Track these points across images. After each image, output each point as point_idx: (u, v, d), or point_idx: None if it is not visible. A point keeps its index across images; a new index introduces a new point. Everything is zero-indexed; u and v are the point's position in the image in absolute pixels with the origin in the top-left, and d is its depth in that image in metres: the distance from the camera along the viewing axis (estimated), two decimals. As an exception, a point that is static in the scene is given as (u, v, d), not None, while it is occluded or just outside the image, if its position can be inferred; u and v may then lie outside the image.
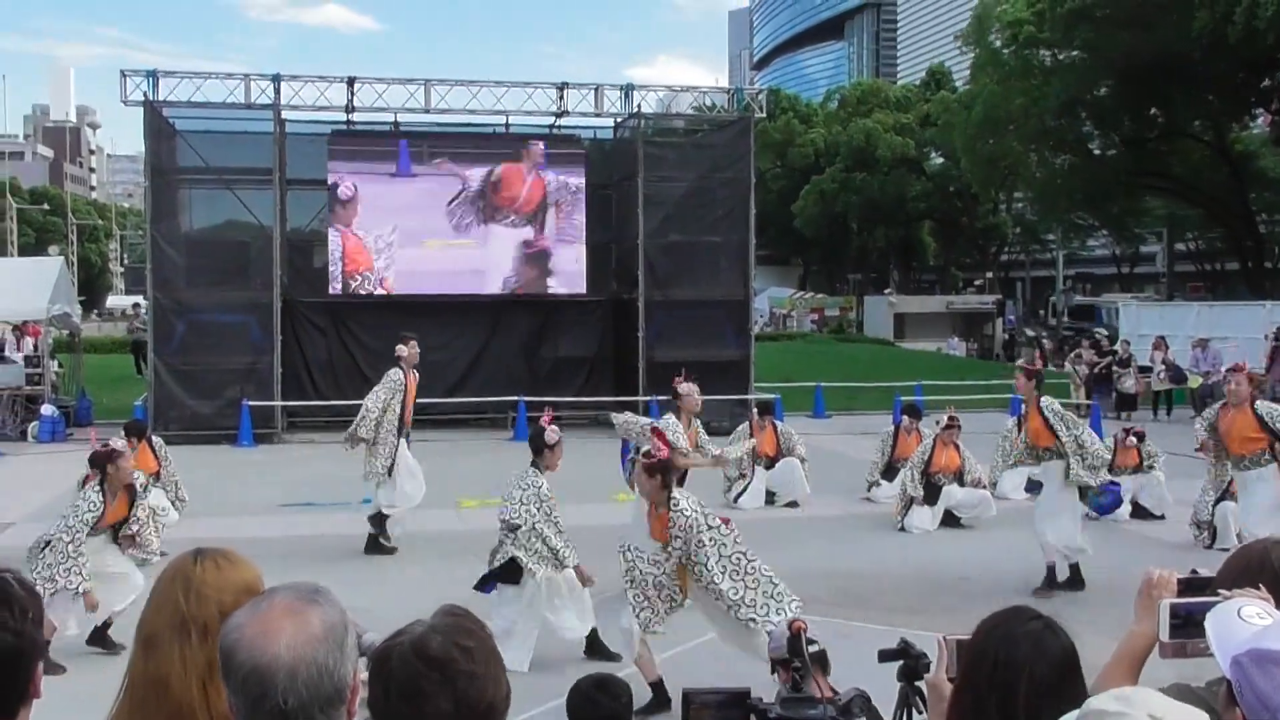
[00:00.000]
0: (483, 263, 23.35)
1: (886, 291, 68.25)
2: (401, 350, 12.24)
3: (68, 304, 24.49)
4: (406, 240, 22.94)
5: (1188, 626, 2.47)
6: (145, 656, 2.72)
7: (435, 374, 23.18)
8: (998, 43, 40.43)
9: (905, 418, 16.04)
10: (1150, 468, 14.81)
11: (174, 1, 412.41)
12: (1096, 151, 43.00)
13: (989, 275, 74.70)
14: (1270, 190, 45.87)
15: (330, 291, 22.88)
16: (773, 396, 20.64)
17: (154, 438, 13.63)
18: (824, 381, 26.36)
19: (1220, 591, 2.47)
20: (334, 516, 13.71)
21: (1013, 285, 75.07)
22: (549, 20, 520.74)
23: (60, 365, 25.83)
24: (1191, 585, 2.65)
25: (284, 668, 2.09)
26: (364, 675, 2.30)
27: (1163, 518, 14.19)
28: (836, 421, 24.14)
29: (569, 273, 23.80)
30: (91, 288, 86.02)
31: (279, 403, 21.74)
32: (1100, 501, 12.59)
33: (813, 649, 4.47)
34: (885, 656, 4.18)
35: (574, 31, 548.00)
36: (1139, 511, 14.61)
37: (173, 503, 12.73)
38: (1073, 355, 29.07)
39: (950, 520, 13.75)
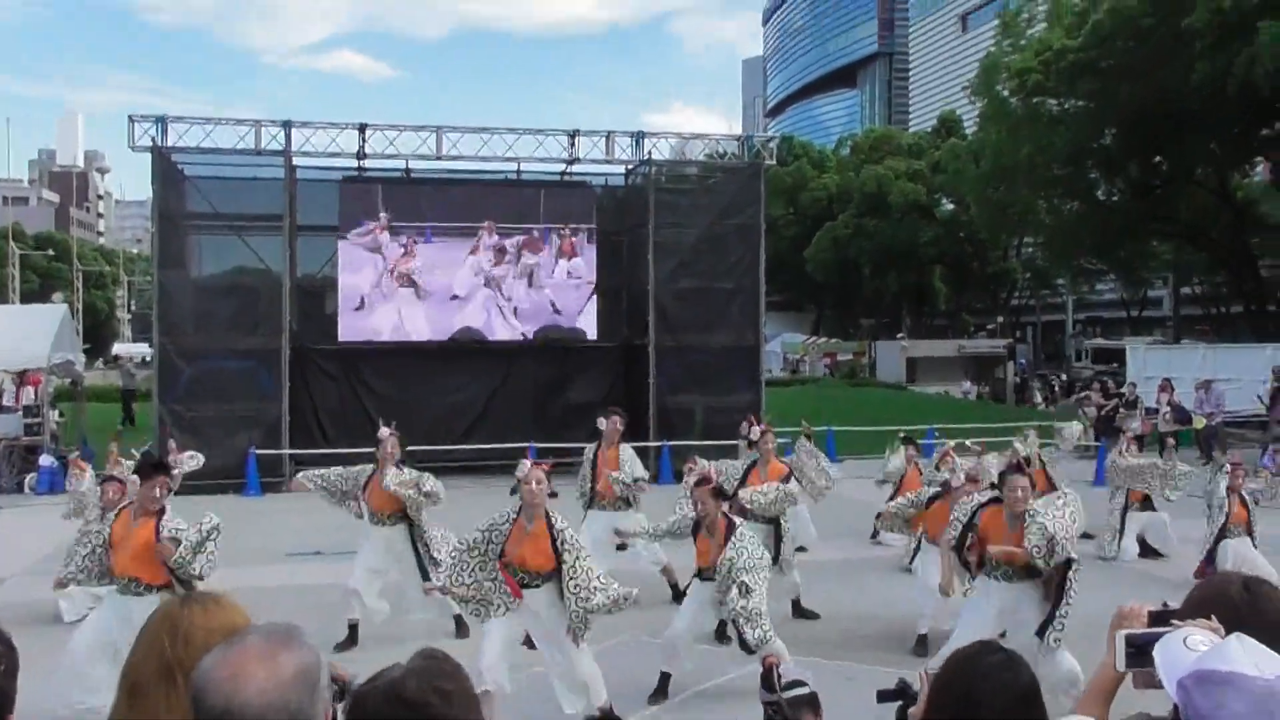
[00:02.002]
0: (494, 309, 23.39)
1: (899, 336, 68.15)
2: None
3: (71, 351, 24.30)
4: (420, 287, 22.99)
5: (1141, 656, 2.54)
6: (130, 703, 2.70)
7: (447, 421, 23.28)
8: (1005, 92, 40.66)
9: (905, 448, 15.99)
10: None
11: (189, 48, 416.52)
12: (1103, 198, 43.18)
13: (1000, 319, 74.68)
14: (1271, 235, 46.12)
15: (340, 338, 22.90)
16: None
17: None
18: (836, 425, 26.29)
19: (1173, 622, 2.55)
20: (341, 565, 13.59)
21: (1024, 329, 75.06)
22: (564, 68, 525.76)
23: (62, 415, 25.62)
24: (1161, 617, 2.67)
25: (254, 713, 2.08)
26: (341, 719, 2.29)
27: (1167, 557, 14.24)
28: (848, 465, 24.03)
29: (581, 319, 23.83)
30: (97, 335, 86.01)
31: (287, 450, 21.71)
32: None
33: (801, 691, 4.44)
34: (884, 697, 4.15)
35: (589, 79, 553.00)
36: (1146, 550, 14.68)
37: None
38: (1081, 397, 29.09)
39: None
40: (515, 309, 23.45)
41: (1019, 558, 8.25)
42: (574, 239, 23.65)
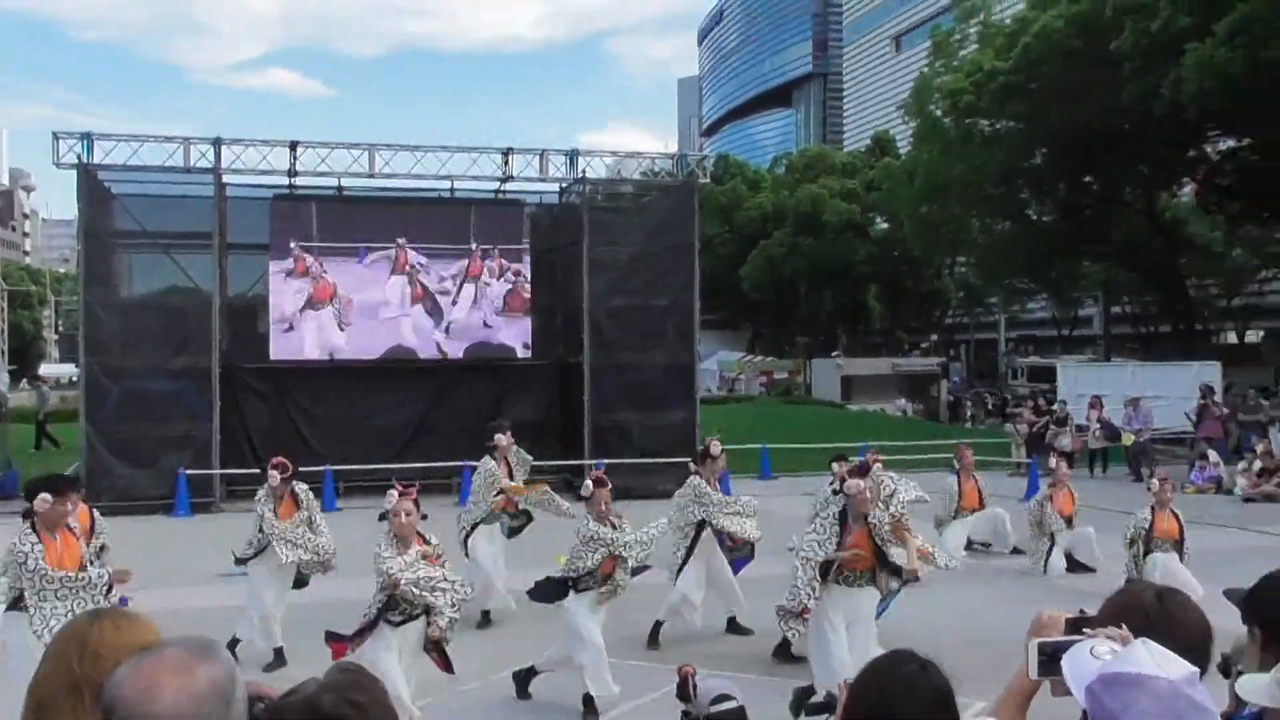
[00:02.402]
0: (428, 327, 23.30)
1: (834, 354, 68.59)
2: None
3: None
4: (351, 305, 22.85)
5: (1052, 664, 2.57)
6: (36, 719, 2.66)
7: (380, 440, 23.12)
8: (938, 112, 41.12)
9: (835, 465, 16.06)
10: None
11: (117, 65, 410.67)
12: (1035, 218, 43.76)
13: (934, 338, 75.48)
14: (1198, 256, 46.97)
15: (271, 357, 22.69)
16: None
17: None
18: (770, 444, 26.40)
19: (1084, 630, 2.60)
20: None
21: (957, 347, 75.85)
22: (499, 86, 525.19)
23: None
24: (1078, 624, 2.71)
25: None
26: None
27: (1095, 571, 14.44)
28: (782, 483, 24.15)
29: (515, 337, 23.77)
30: (23, 355, 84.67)
31: (217, 471, 21.46)
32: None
33: (729, 705, 4.44)
34: (811, 710, 4.18)
35: (525, 98, 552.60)
36: (1074, 565, 14.90)
37: None
38: (1013, 414, 29.50)
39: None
40: (448, 327, 23.36)
41: (863, 558, 8.83)
42: (507, 258, 23.60)
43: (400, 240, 23.08)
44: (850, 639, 8.70)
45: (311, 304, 22.64)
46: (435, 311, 23.30)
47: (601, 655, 8.97)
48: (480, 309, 23.52)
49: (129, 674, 2.12)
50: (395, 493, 8.34)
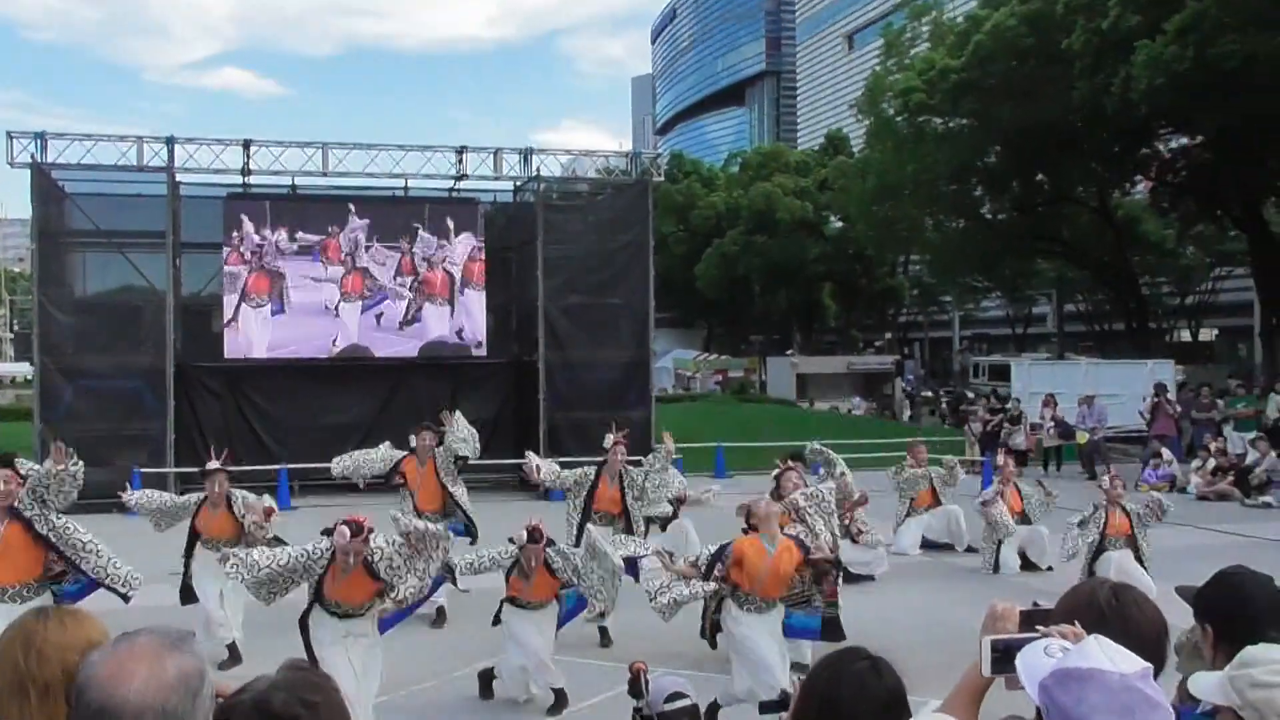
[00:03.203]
0: (381, 325, 23.21)
1: (789, 353, 68.75)
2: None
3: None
4: (302, 303, 22.75)
5: (1005, 661, 2.59)
6: None
7: (333, 438, 22.86)
8: (890, 111, 41.29)
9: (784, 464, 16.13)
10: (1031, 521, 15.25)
11: (70, 65, 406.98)
12: (988, 216, 44.01)
13: (888, 336, 75.83)
14: (1151, 253, 47.44)
15: (225, 355, 22.56)
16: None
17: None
18: (726, 441, 26.45)
19: (1037, 628, 2.62)
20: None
21: (912, 345, 76.22)
22: (453, 86, 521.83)
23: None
24: (1033, 618, 2.74)
25: (131, 711, 2.08)
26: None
27: (1050, 569, 14.54)
28: (738, 481, 24.19)
29: (469, 335, 23.72)
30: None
31: (172, 469, 21.32)
32: None
33: (684, 703, 4.49)
34: (765, 708, 4.22)
35: (479, 97, 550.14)
36: (1027, 564, 15.01)
37: None
38: (968, 413, 29.68)
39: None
40: (402, 325, 23.28)
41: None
42: (462, 255, 23.55)
43: (353, 237, 22.99)
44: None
45: (265, 304, 22.49)
46: (389, 309, 23.21)
47: (537, 656, 9.12)
48: (434, 307, 23.44)
49: (101, 659, 2.17)
50: (347, 530, 7.86)
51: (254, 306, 22.53)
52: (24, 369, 60.30)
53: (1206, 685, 2.82)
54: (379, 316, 23.19)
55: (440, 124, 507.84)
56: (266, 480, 21.59)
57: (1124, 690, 2.29)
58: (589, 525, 11.02)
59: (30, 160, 21.08)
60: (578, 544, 10.65)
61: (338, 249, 22.95)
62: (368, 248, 23.06)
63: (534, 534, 9.14)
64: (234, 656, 10.57)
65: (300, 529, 12.59)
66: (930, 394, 55.05)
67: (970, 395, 27.90)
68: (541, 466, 12.63)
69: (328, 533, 8.03)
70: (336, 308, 22.92)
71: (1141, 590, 3.04)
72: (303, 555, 8.11)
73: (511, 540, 9.28)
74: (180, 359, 22.13)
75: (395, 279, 23.23)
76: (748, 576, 8.63)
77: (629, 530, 11.88)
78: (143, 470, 20.67)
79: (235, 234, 22.48)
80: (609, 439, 12.47)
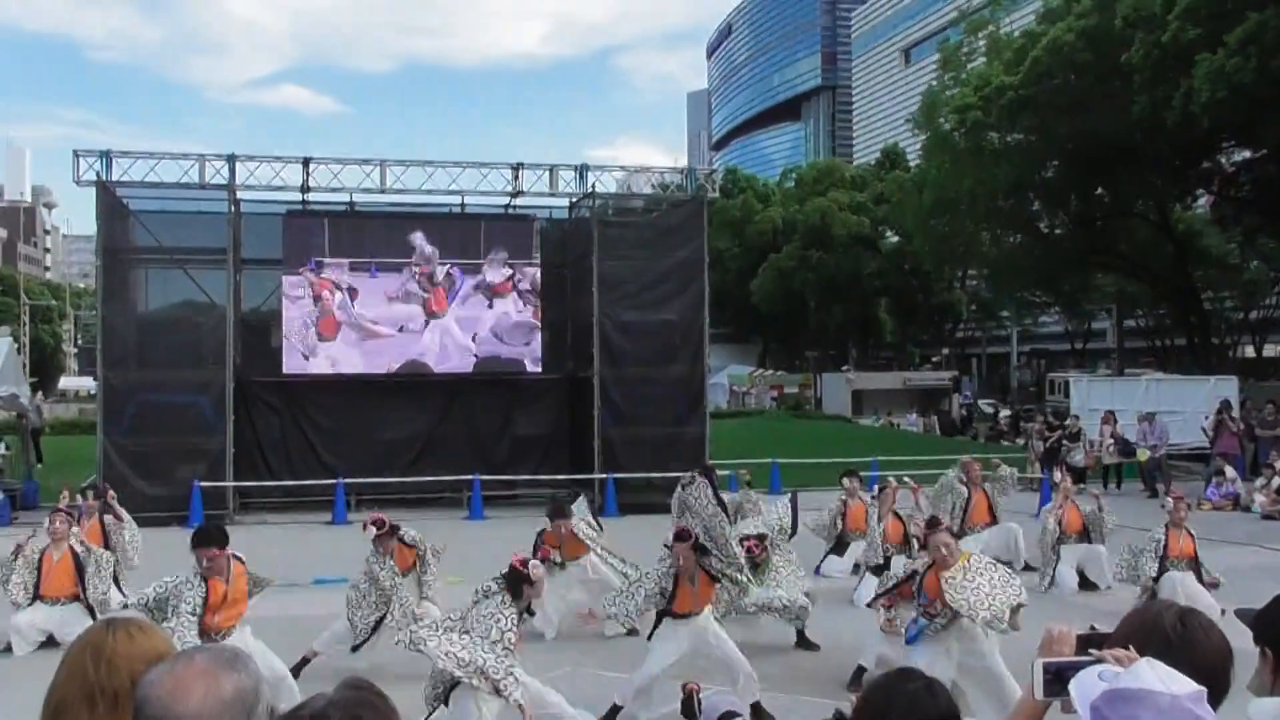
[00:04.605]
0: (439, 342, 23.34)
1: (844, 368, 68.58)
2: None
3: (15, 385, 24.20)
4: (364, 318, 22.92)
5: (1058, 683, 2.58)
6: None
7: (390, 453, 23.23)
8: (947, 126, 41.10)
9: (846, 481, 16.06)
10: (1092, 539, 15.04)
11: (134, 84, 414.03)
12: (1046, 230, 43.68)
13: (945, 351, 75.37)
14: (1213, 268, 46.82)
15: (284, 371, 22.79)
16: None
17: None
18: (780, 458, 26.37)
19: (1091, 652, 2.61)
20: (284, 597, 13.52)
21: (969, 361, 75.70)
22: (509, 103, 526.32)
23: (8, 448, 25.44)
24: (1089, 642, 2.72)
25: None
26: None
27: (1109, 589, 14.33)
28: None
29: (525, 351, 23.80)
30: (44, 369, 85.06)
31: (231, 483, 21.56)
32: None
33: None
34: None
35: (534, 114, 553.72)
36: (1085, 583, 14.78)
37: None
38: (1028, 430, 29.41)
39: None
40: (458, 342, 23.40)
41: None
42: (518, 272, 23.66)
43: (414, 255, 23.17)
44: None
45: (325, 319, 22.71)
46: (446, 326, 23.35)
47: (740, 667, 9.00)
48: (490, 323, 23.56)
49: (160, 676, 2.22)
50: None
51: (318, 324, 22.72)
52: (88, 383, 61.20)
53: (1265, 712, 2.77)
54: (435, 333, 23.31)
55: (495, 141, 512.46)
56: (323, 494, 21.83)
57: (1175, 711, 2.28)
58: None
59: (95, 178, 21.39)
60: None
61: (396, 267, 23.11)
62: (426, 264, 23.21)
63: (681, 534, 9.01)
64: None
65: (355, 544, 12.68)
66: (992, 409, 54.65)
67: (1051, 414, 27.61)
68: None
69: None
70: (395, 324, 23.07)
71: (1206, 614, 2.99)
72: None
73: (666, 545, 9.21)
74: (240, 374, 22.37)
75: (451, 295, 23.34)
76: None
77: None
78: (202, 484, 20.94)
79: (298, 252, 22.71)
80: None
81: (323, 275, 22.73)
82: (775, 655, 11.00)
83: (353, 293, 22.89)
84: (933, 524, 9.41)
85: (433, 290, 23.26)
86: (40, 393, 43.15)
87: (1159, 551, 12.74)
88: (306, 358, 22.73)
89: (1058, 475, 16.80)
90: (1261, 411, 27.59)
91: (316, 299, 22.71)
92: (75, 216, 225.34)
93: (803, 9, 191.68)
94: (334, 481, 21.72)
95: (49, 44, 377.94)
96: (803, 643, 11.51)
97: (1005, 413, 50.89)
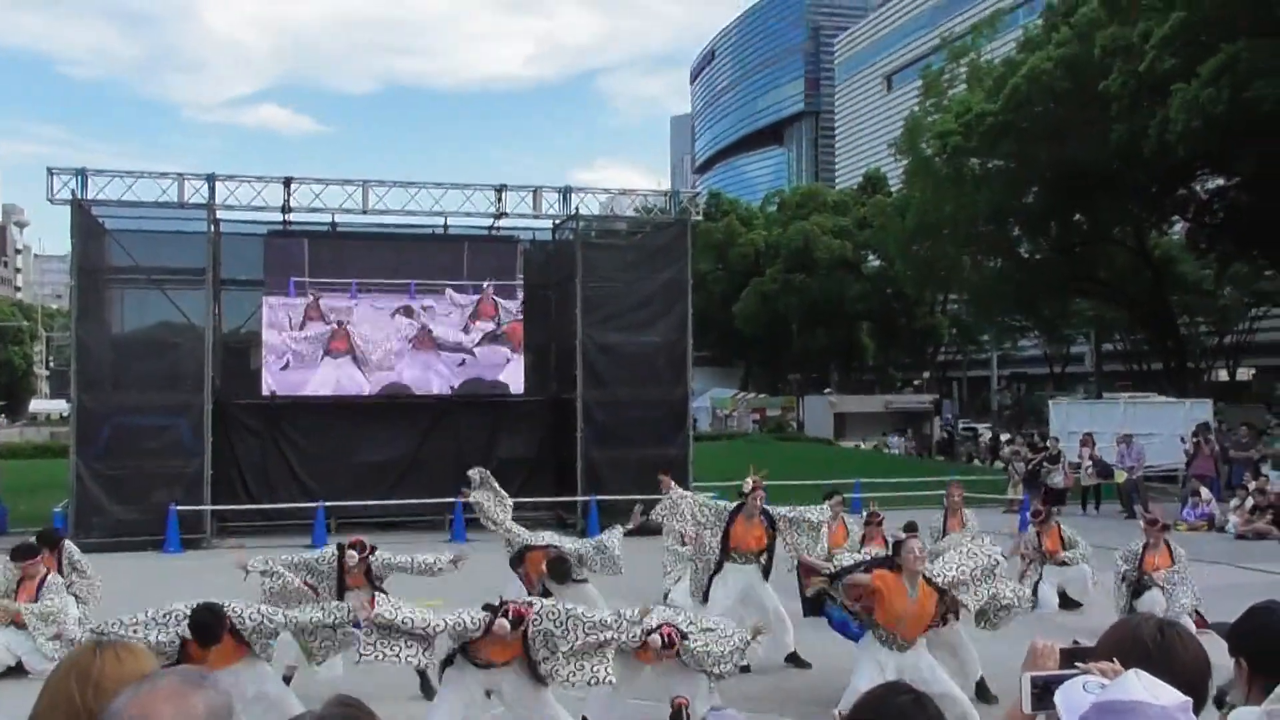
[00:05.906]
0: (421, 364, 23.27)
1: (826, 391, 68.69)
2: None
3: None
4: (343, 340, 22.84)
5: (1045, 697, 2.58)
6: None
7: (372, 476, 23.10)
8: (929, 151, 41.40)
9: (827, 502, 16.05)
10: (1068, 561, 15.10)
11: (109, 101, 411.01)
12: (1027, 255, 44.02)
13: (926, 375, 75.65)
14: (1189, 293, 47.30)
15: (263, 393, 22.66)
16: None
17: (67, 546, 13.22)
18: (764, 481, 26.27)
19: (1076, 664, 2.63)
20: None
21: (950, 384, 76.00)
22: (492, 124, 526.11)
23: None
24: (1074, 655, 2.73)
25: None
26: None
27: (1087, 607, 14.43)
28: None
29: (508, 373, 23.76)
30: (14, 392, 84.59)
31: (209, 507, 21.38)
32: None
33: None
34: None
35: (517, 135, 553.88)
36: (1066, 602, 14.84)
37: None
38: (1010, 453, 29.56)
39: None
40: (440, 364, 23.34)
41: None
42: (500, 294, 23.62)
43: (396, 277, 23.12)
44: None
45: (304, 342, 22.61)
46: (428, 348, 23.28)
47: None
48: (473, 345, 23.50)
49: (127, 701, 2.17)
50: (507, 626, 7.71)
51: (294, 344, 22.61)
52: (61, 406, 60.90)
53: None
54: (417, 355, 23.23)
55: (478, 162, 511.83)
56: (303, 518, 21.65)
57: None
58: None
59: (70, 196, 21.12)
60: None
61: (381, 288, 23.04)
62: (408, 286, 23.16)
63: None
64: None
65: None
66: (970, 432, 54.82)
67: (1055, 438, 27.91)
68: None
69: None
70: (378, 346, 22.98)
71: (1185, 626, 3.02)
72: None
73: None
74: (218, 396, 22.22)
75: (433, 317, 23.28)
76: (887, 613, 8.72)
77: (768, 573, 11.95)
78: (179, 508, 20.77)
79: (278, 273, 22.62)
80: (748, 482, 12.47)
81: (304, 297, 22.64)
82: (765, 675, 10.96)
83: (333, 314, 22.80)
84: (910, 528, 9.70)
85: (416, 312, 23.19)
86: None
87: (1136, 562, 12.89)
88: (286, 381, 22.59)
89: (1034, 505, 16.82)
90: (1235, 434, 28.07)
91: (302, 324, 22.61)
92: (47, 236, 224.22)
93: (786, 35, 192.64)
94: (314, 505, 21.58)
95: (22, 59, 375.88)
96: (794, 661, 11.54)
97: (987, 435, 51.07)
